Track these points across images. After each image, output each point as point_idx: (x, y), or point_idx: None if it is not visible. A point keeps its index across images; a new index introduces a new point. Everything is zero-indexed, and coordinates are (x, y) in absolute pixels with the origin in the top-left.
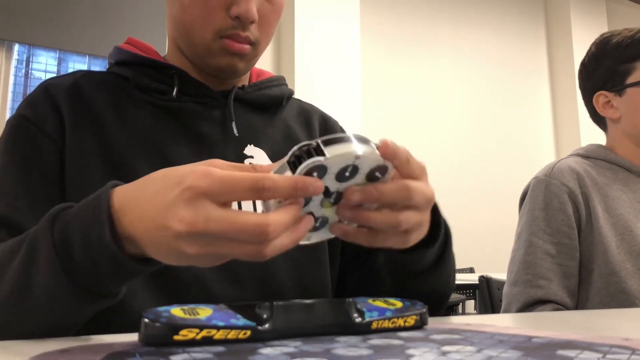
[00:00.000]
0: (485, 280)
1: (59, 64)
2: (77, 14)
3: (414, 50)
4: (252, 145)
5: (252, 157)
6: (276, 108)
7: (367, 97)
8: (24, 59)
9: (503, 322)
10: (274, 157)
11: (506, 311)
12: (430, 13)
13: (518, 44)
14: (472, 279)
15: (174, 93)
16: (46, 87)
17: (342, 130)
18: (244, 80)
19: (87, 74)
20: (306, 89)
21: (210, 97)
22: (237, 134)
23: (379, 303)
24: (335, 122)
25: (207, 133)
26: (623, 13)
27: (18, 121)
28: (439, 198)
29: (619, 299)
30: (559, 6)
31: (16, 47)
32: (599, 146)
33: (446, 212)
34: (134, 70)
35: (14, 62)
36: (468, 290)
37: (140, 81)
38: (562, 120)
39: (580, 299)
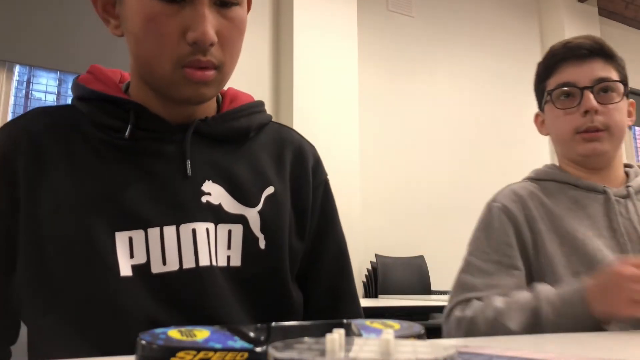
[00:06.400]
0: None
1: (59, 85)
2: (77, 36)
3: (410, 70)
4: (210, 181)
5: (209, 193)
6: (243, 139)
7: (365, 116)
8: (25, 80)
9: (502, 344)
10: (235, 192)
11: (447, 336)
12: (427, 35)
13: (514, 65)
14: None
15: (127, 132)
16: (3, 142)
17: (316, 159)
18: (211, 110)
19: (45, 113)
20: (304, 113)
21: (168, 132)
22: (190, 174)
23: (376, 325)
24: (310, 154)
25: (161, 172)
26: (616, 35)
27: None
28: (438, 217)
29: None
30: (553, 27)
31: (17, 68)
32: (550, 166)
33: (443, 230)
34: (90, 105)
35: (14, 83)
36: None
37: (95, 118)
38: None
39: None
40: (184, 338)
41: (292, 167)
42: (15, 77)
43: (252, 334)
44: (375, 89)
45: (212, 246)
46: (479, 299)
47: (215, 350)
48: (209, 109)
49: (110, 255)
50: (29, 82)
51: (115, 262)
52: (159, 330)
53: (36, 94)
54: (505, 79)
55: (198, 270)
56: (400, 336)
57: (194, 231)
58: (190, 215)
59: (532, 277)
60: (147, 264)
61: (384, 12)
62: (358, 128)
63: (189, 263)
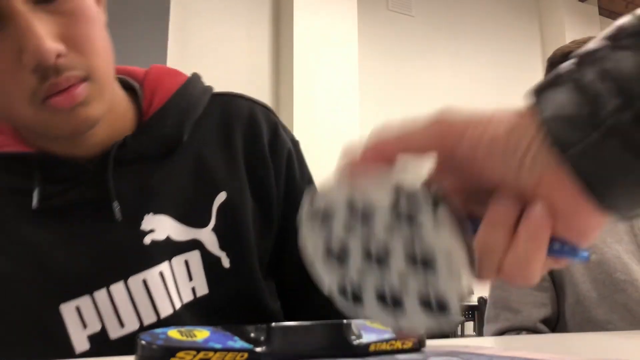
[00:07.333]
0: (484, 302)
1: None
2: None
3: (411, 69)
4: (150, 214)
5: (152, 230)
6: (176, 144)
7: (365, 116)
8: None
9: (502, 345)
10: (181, 215)
11: None
12: (427, 34)
13: (515, 64)
14: (470, 300)
15: (35, 200)
16: None
17: (272, 127)
18: (128, 121)
19: None
20: (305, 112)
21: (84, 175)
22: (121, 218)
23: (376, 325)
24: (264, 123)
25: (90, 224)
26: None
27: None
28: None
29: (586, 328)
30: (554, 26)
31: None
32: None
33: None
34: None
35: None
36: (467, 312)
37: None
38: None
39: (559, 329)
40: (184, 338)
41: (245, 147)
42: None
43: (252, 334)
44: (375, 88)
45: (171, 288)
46: (528, 329)
47: (215, 351)
48: (124, 121)
49: (60, 332)
50: None
51: (67, 339)
52: (158, 331)
53: None
54: (505, 78)
55: (161, 323)
56: (400, 336)
57: (144, 282)
58: (136, 265)
59: (553, 283)
60: (103, 330)
61: (384, 11)
62: (359, 127)
63: (149, 318)
